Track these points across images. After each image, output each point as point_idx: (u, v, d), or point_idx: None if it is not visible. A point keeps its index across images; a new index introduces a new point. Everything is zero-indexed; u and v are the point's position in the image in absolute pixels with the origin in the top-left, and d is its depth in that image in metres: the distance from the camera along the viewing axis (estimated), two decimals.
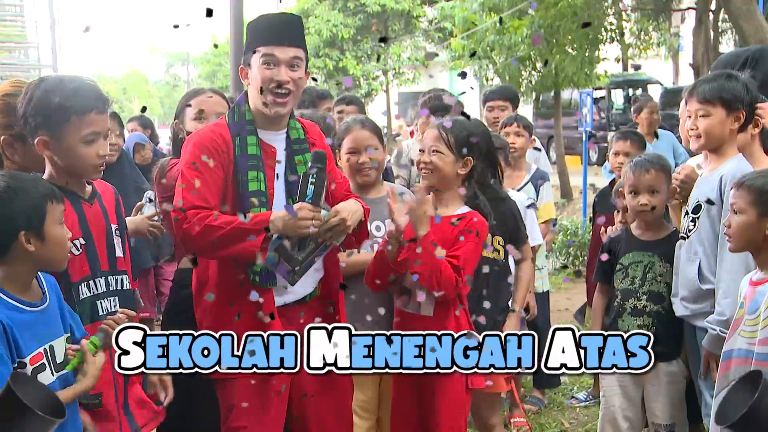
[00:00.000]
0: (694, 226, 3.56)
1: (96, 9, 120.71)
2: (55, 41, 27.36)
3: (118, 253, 3.00)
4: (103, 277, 2.92)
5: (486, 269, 3.65)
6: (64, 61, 34.94)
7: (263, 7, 46.07)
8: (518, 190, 5.15)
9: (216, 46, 44.78)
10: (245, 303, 3.02)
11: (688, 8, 21.72)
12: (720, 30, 20.29)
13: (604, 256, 3.99)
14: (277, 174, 3.32)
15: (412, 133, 6.04)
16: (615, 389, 3.89)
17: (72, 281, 2.83)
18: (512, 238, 3.86)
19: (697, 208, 3.56)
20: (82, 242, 2.87)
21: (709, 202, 3.49)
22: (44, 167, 2.92)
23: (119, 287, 2.98)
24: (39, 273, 2.62)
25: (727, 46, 21.79)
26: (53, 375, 2.50)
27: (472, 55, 21.32)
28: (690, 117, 3.58)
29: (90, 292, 2.87)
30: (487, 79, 22.64)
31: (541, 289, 5.36)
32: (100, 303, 2.89)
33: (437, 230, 3.40)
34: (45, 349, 2.50)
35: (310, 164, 3.15)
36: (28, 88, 2.86)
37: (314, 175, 3.09)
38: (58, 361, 2.52)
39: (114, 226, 3.01)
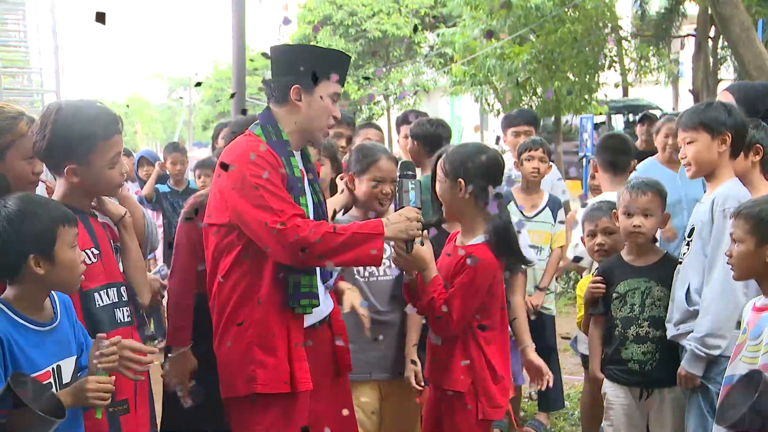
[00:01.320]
0: (688, 249, 3.59)
1: (99, 35, 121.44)
2: (59, 66, 27.49)
3: (120, 268, 3.07)
4: (115, 288, 2.98)
5: None
6: (67, 86, 35.06)
7: (265, 32, 46.35)
8: (536, 215, 5.18)
9: (198, 84, 45.44)
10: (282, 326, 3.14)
11: (688, 35, 21.87)
12: (719, 57, 20.41)
13: (597, 288, 3.97)
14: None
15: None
16: (621, 417, 3.86)
17: (90, 288, 2.87)
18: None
19: (691, 232, 3.58)
20: (96, 252, 2.92)
21: (691, 232, 3.56)
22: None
23: (127, 299, 3.04)
24: (53, 292, 2.64)
25: (727, 72, 21.90)
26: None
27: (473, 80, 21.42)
28: (681, 147, 3.63)
29: (109, 299, 2.93)
30: (488, 104, 22.77)
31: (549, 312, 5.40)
32: (115, 311, 2.95)
33: (448, 262, 3.48)
34: (53, 368, 2.51)
35: (403, 172, 3.28)
36: (45, 120, 2.88)
37: (413, 182, 3.24)
38: (64, 381, 2.53)
39: (113, 243, 3.07)
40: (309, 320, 3.28)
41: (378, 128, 5.77)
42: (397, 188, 3.29)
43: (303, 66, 3.26)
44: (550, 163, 5.48)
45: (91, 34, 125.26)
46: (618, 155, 5.11)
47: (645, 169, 5.04)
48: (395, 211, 3.25)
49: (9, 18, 26.41)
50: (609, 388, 3.93)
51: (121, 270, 3.08)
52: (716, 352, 3.34)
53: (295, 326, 3.19)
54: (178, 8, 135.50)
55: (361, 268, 3.90)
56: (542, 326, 5.18)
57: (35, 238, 2.50)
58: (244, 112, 4.94)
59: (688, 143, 3.55)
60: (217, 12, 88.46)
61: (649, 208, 3.86)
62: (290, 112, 3.30)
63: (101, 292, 2.90)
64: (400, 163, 3.37)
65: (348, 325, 3.56)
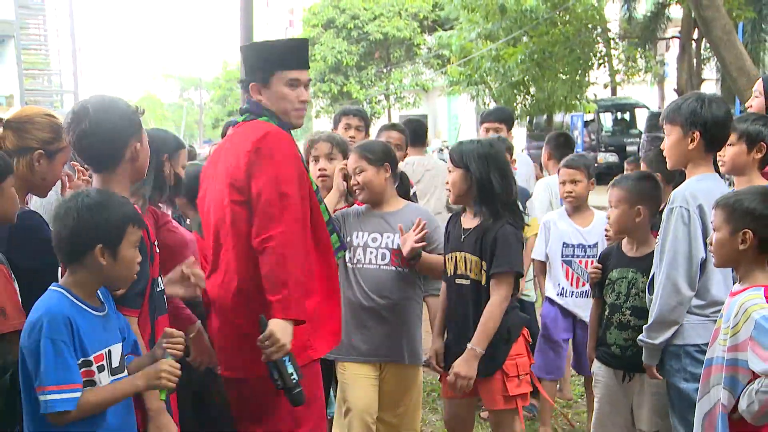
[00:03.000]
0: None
1: (114, 37, 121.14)
2: (77, 68, 27.54)
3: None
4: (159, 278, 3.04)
5: (472, 293, 3.69)
6: (85, 87, 35.05)
7: (272, 35, 46.25)
8: None
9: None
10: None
11: (673, 37, 21.85)
12: (702, 58, 20.39)
13: (594, 273, 4.00)
14: None
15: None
16: (606, 398, 3.88)
17: (155, 276, 2.96)
18: (496, 263, 3.64)
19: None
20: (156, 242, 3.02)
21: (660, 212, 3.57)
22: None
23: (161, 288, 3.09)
24: None
25: (710, 72, 21.88)
26: (109, 377, 2.56)
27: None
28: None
29: (161, 286, 3.05)
30: (484, 103, 22.76)
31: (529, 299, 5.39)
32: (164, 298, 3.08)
33: None
34: (105, 352, 2.56)
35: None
36: (77, 119, 2.82)
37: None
38: (113, 366, 2.58)
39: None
40: None
41: (401, 131, 5.48)
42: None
43: (256, 63, 3.39)
44: (526, 157, 5.91)
45: (107, 37, 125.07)
46: (564, 149, 5.85)
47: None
48: None
49: (30, 23, 26.48)
50: (596, 368, 3.96)
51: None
52: (657, 341, 3.35)
53: None
54: (190, 12, 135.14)
55: (350, 254, 3.94)
56: (524, 312, 5.15)
57: (107, 231, 2.54)
58: None
59: (666, 136, 3.52)
60: (226, 15, 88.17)
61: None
62: (276, 107, 3.39)
63: (159, 278, 3.01)
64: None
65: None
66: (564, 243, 4.85)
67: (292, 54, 3.41)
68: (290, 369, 2.98)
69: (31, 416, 2.50)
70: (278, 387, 2.99)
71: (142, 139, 2.91)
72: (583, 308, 4.75)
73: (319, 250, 3.35)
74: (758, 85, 4.19)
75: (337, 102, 30.77)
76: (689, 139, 3.42)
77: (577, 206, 4.87)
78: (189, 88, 64.35)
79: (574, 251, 4.84)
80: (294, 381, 2.99)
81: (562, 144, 5.99)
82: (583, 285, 4.79)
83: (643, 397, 3.76)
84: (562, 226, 4.88)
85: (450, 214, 4.18)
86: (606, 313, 3.90)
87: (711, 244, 3.02)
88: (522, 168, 5.86)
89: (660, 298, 3.35)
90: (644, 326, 3.44)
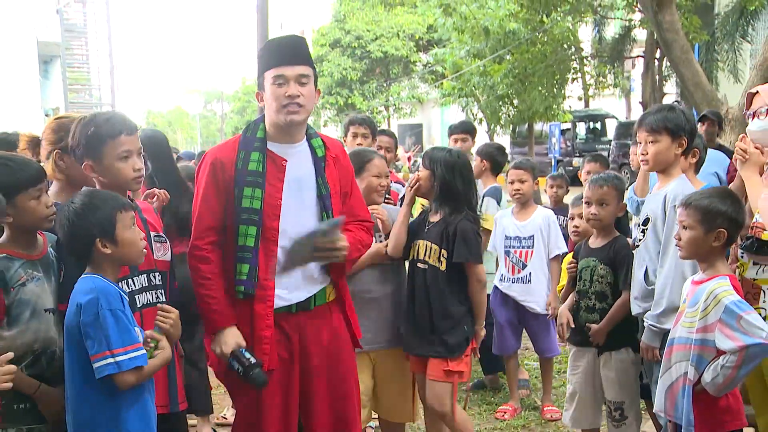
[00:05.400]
0: (644, 236, 3.52)
1: (147, 56, 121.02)
2: (114, 84, 27.55)
3: (157, 255, 2.97)
4: (146, 274, 2.88)
5: (436, 276, 3.67)
6: (121, 100, 35.06)
7: None
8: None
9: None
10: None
11: (638, 56, 21.84)
12: (664, 74, 20.38)
13: (571, 265, 4.00)
14: (289, 186, 3.04)
15: (409, 158, 6.01)
16: (578, 372, 3.89)
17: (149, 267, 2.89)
18: (457, 254, 3.65)
19: (646, 221, 3.52)
20: None
21: (646, 222, 3.50)
22: (87, 180, 2.95)
23: (159, 282, 2.94)
24: None
25: (671, 87, 21.87)
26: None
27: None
28: (640, 144, 3.51)
29: (129, 288, 2.80)
30: (472, 113, 22.79)
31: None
32: (138, 297, 2.84)
33: None
34: (138, 328, 2.56)
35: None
36: (73, 127, 2.90)
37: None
38: (140, 341, 2.57)
39: (153, 234, 2.98)
40: (279, 304, 3.02)
41: (391, 135, 5.68)
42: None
43: (258, 73, 3.08)
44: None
45: (141, 56, 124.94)
46: (498, 156, 5.48)
47: None
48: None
49: (74, 44, 26.49)
50: (571, 351, 3.97)
51: (156, 257, 2.95)
52: (666, 326, 3.25)
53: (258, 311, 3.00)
54: (213, 33, 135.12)
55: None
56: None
57: (99, 225, 2.53)
58: None
59: (651, 142, 3.43)
60: (245, 36, 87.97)
61: (605, 198, 3.83)
62: (267, 109, 3.07)
63: (122, 283, 2.75)
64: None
65: None
66: (505, 236, 4.91)
67: (274, 52, 3.03)
68: (247, 355, 2.91)
69: (80, 396, 2.48)
70: (239, 375, 2.91)
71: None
72: (519, 293, 4.87)
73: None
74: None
75: (342, 112, 30.74)
76: (677, 145, 3.42)
77: (524, 202, 4.91)
78: (212, 101, 64.23)
79: (511, 243, 4.90)
80: (252, 362, 2.90)
81: (498, 154, 5.63)
82: (519, 272, 4.87)
83: (610, 373, 3.76)
84: (505, 222, 4.94)
85: None
86: (576, 298, 3.91)
87: (678, 239, 3.01)
88: None
89: (671, 286, 3.27)
90: (652, 313, 3.35)
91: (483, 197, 5.19)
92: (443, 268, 3.66)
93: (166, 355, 2.61)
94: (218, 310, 2.97)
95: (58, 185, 3.11)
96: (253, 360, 2.91)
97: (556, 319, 4.74)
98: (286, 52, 3.00)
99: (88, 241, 2.53)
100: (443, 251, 3.67)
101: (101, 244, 2.53)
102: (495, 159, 5.40)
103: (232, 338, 2.94)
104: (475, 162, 5.38)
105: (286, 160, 3.04)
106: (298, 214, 3.03)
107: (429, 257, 3.70)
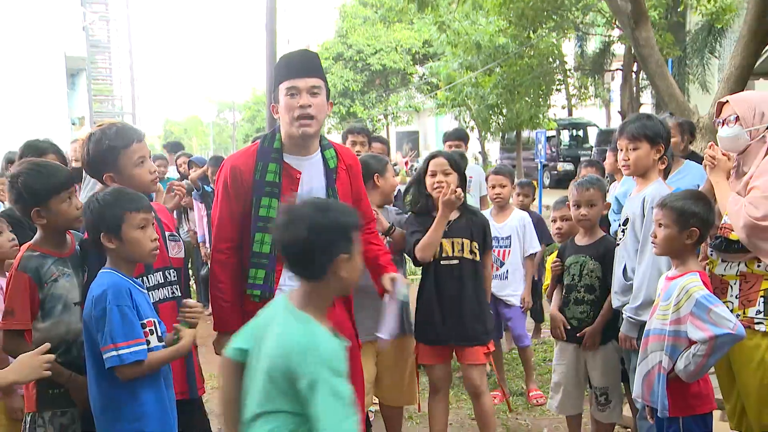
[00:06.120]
0: (624, 235, 3.54)
1: (164, 68, 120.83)
2: (134, 94, 27.57)
3: (172, 253, 2.97)
4: (161, 271, 2.86)
5: (469, 268, 3.68)
6: (141, 109, 35.06)
7: None
8: None
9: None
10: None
11: (617, 69, 21.83)
12: (640, 86, 20.38)
13: (555, 265, 3.98)
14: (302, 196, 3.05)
15: (406, 163, 6.03)
16: (563, 361, 3.90)
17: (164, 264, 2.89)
18: (483, 246, 3.78)
19: (626, 221, 3.54)
20: None
21: (626, 222, 3.51)
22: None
23: (174, 279, 2.93)
24: None
25: (647, 98, 21.89)
26: (158, 341, 2.54)
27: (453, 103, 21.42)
28: (622, 150, 3.52)
29: (150, 283, 2.81)
30: (465, 121, 22.78)
31: None
32: (153, 293, 2.81)
33: None
34: (154, 320, 2.55)
35: None
36: (86, 145, 2.88)
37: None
38: (158, 333, 2.58)
39: (168, 233, 2.97)
40: None
41: (383, 141, 5.73)
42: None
43: (273, 87, 3.05)
44: (478, 167, 5.87)
45: (159, 68, 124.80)
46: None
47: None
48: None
49: (99, 58, 26.57)
50: (557, 343, 3.98)
51: (171, 255, 2.94)
52: (643, 317, 3.27)
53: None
54: (226, 47, 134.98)
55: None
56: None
57: (106, 220, 2.51)
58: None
59: (632, 149, 3.45)
60: (255, 50, 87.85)
61: (592, 199, 3.85)
62: (281, 121, 3.06)
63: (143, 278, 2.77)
64: None
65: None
66: None
67: (288, 65, 3.00)
68: None
69: (98, 382, 2.49)
70: None
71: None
72: (497, 288, 4.88)
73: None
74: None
75: (345, 120, 30.72)
76: (655, 151, 3.44)
77: (503, 205, 4.92)
78: (224, 110, 63.99)
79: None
80: None
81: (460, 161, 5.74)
82: (497, 270, 4.90)
83: (595, 362, 3.78)
84: None
85: None
86: (564, 293, 3.91)
87: (654, 237, 3.03)
88: (474, 176, 5.90)
89: (647, 281, 3.29)
90: (631, 306, 3.36)
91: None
92: (478, 258, 3.71)
93: (182, 347, 2.61)
94: (225, 316, 3.01)
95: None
96: None
97: (531, 311, 4.75)
98: (298, 65, 2.97)
99: (97, 234, 2.53)
100: (474, 243, 3.71)
101: (106, 239, 2.51)
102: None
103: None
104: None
105: (300, 173, 3.02)
106: None
107: (462, 252, 3.70)
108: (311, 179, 3.04)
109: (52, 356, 2.37)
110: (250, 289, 2.95)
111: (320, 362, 1.91)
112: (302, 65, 2.98)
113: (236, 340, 2.20)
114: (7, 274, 2.92)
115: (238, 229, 3.01)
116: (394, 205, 4.18)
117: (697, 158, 4.42)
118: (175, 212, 8.72)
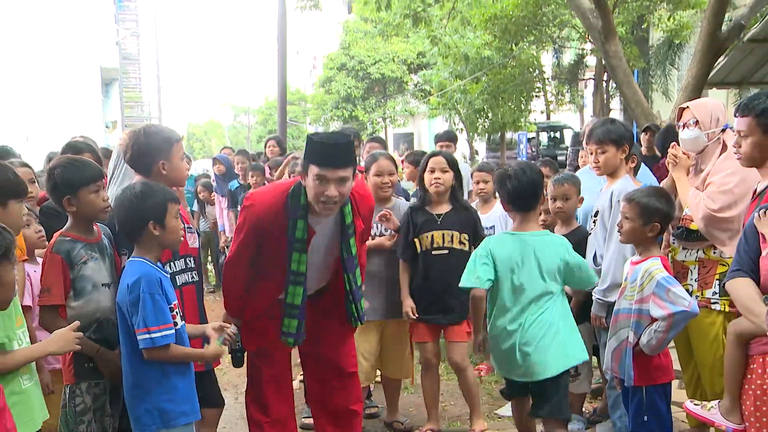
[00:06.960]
0: (595, 225, 3.55)
1: (188, 77, 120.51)
2: (161, 100, 27.53)
3: (190, 243, 2.97)
4: (183, 258, 2.89)
5: (459, 258, 3.57)
6: (166, 113, 35.04)
7: (302, 73, 45.97)
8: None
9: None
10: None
11: (589, 78, 21.83)
12: (610, 94, 20.37)
13: None
14: (313, 249, 2.94)
15: (402, 161, 5.99)
16: None
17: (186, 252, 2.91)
18: (474, 238, 3.71)
19: (596, 213, 3.54)
20: None
21: (596, 214, 3.51)
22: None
23: (193, 265, 2.95)
24: None
25: (616, 104, 21.86)
26: (181, 321, 2.55)
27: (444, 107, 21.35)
28: (592, 154, 3.52)
29: (171, 269, 2.80)
30: (454, 124, 22.75)
31: None
32: (178, 278, 2.84)
33: None
34: (177, 303, 2.55)
35: None
36: (136, 137, 2.88)
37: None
38: (181, 314, 2.57)
39: (186, 226, 2.91)
40: None
41: (380, 141, 5.69)
42: None
43: (303, 156, 2.85)
44: (465, 165, 5.56)
45: (184, 77, 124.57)
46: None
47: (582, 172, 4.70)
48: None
49: (130, 69, 26.61)
50: None
51: (190, 244, 2.94)
52: (611, 299, 3.27)
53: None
54: (241, 58, 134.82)
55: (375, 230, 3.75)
56: None
57: (154, 210, 2.49)
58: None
59: (600, 152, 3.45)
60: (267, 60, 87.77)
61: (567, 193, 3.78)
62: (307, 188, 2.85)
63: (166, 265, 2.75)
64: None
65: None
66: None
67: (321, 151, 2.75)
68: (237, 339, 3.02)
69: (131, 360, 2.48)
70: (229, 351, 2.98)
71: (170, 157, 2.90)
72: None
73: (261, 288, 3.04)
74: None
75: (347, 123, 30.69)
76: (621, 151, 3.44)
77: (487, 199, 4.87)
78: (240, 114, 63.90)
79: None
80: (237, 347, 3.09)
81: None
82: None
83: None
84: None
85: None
86: None
87: (620, 227, 3.02)
88: (462, 173, 5.79)
89: (614, 267, 3.28)
90: (599, 289, 3.34)
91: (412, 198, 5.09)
92: (467, 248, 3.63)
93: (207, 354, 2.64)
94: (233, 306, 3.10)
95: None
96: (239, 345, 3.07)
97: None
98: (331, 156, 2.74)
99: (142, 223, 2.49)
100: (464, 235, 3.69)
101: (153, 227, 2.50)
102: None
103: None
104: (408, 168, 5.33)
105: (315, 232, 2.93)
106: (318, 272, 3.04)
107: (452, 243, 3.67)
108: (324, 236, 2.98)
109: (81, 333, 2.37)
110: (284, 337, 2.98)
111: None
112: (335, 156, 2.74)
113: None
114: (38, 260, 2.94)
115: (251, 262, 3.00)
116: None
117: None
118: (196, 206, 8.69)
